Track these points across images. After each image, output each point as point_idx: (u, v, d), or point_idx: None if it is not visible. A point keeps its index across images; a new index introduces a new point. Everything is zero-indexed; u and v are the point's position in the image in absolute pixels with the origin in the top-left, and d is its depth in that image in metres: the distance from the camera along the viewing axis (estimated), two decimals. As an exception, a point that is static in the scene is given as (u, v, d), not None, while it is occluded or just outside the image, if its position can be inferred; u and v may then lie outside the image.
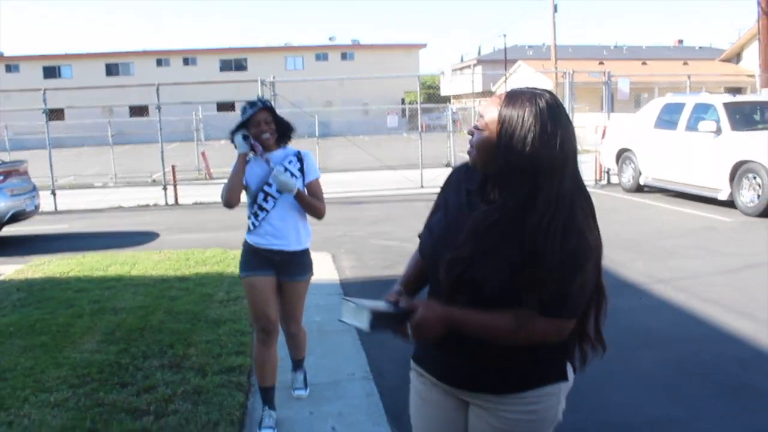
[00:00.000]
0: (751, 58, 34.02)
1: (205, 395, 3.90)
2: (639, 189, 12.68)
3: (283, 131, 3.61)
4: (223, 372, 4.25)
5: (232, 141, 3.58)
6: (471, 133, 1.75)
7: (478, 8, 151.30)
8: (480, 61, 57.07)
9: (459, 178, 1.91)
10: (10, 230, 10.37)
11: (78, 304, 5.92)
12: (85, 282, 6.80)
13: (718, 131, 10.46)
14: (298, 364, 4.02)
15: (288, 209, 3.55)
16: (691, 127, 11.11)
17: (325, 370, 4.42)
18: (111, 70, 49.66)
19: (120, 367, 4.38)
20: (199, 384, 4.06)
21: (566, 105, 14.87)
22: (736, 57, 39.64)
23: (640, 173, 12.53)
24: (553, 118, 1.64)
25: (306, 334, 3.95)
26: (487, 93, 48.39)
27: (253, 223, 3.58)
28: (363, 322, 1.69)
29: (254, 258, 3.59)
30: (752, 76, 26.98)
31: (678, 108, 11.72)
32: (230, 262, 7.33)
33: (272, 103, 13.29)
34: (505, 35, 75.29)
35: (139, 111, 34.36)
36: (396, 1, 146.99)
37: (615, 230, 8.94)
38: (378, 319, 1.71)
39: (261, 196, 3.54)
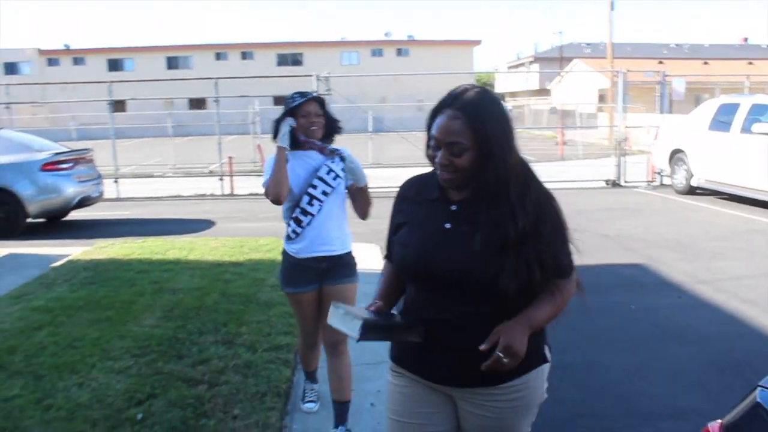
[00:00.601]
0: (818, 59, 32.92)
1: (254, 369, 4.20)
2: (691, 191, 12.55)
3: (331, 129, 3.36)
4: (272, 349, 4.54)
5: (276, 130, 3.28)
6: (447, 163, 1.81)
7: (535, 5, 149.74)
8: (536, 59, 56.65)
9: (412, 193, 2.03)
10: (76, 215, 10.94)
11: (139, 284, 6.32)
12: (145, 264, 7.21)
13: (774, 133, 10.33)
14: (340, 413, 3.50)
15: (333, 210, 3.32)
16: (746, 128, 10.96)
17: (367, 351, 4.64)
18: (171, 63, 50.96)
19: (177, 341, 4.72)
20: (250, 359, 4.36)
21: (618, 105, 14.81)
22: (803, 57, 38.39)
23: (693, 175, 12.40)
24: (503, 109, 1.83)
25: (351, 366, 3.52)
26: (542, 91, 48.06)
27: (294, 231, 3.31)
28: (353, 330, 1.74)
29: (298, 272, 3.36)
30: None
31: (733, 109, 11.57)
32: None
33: (326, 97, 13.36)
34: (561, 32, 74.56)
35: (197, 104, 35.33)
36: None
37: (661, 231, 8.96)
38: (369, 330, 1.77)
39: (306, 199, 3.26)
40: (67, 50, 52.33)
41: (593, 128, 28.10)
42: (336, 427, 3.49)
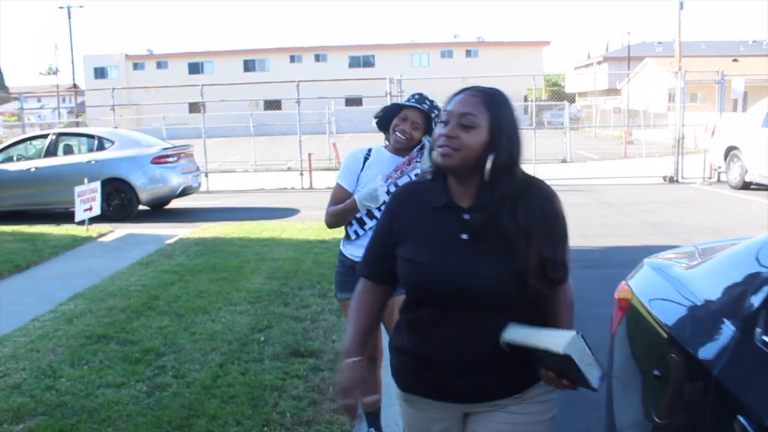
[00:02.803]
0: None
1: (345, 312, 5.35)
2: (745, 186, 13.06)
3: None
4: (357, 300, 5.69)
5: (380, 122, 3.11)
6: (454, 135, 1.73)
7: (606, 5, 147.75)
8: (606, 59, 56.46)
9: (410, 204, 1.87)
10: (177, 203, 12.41)
11: (243, 255, 7.59)
12: (245, 241, 8.51)
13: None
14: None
15: None
16: (798, 125, 11.51)
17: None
18: (248, 65, 53.28)
19: (282, 293, 5.94)
20: (341, 306, 5.52)
21: (677, 104, 15.41)
22: None
23: (747, 171, 12.94)
24: (514, 109, 1.80)
25: None
26: (612, 91, 47.97)
27: (356, 231, 3.10)
28: (593, 376, 1.67)
29: (353, 275, 2.85)
30: None
31: (786, 106, 12.11)
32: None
33: (397, 99, 14.35)
34: (629, 33, 73.66)
35: (272, 104, 37.06)
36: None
37: (705, 220, 9.71)
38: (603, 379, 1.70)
39: None
40: (151, 55, 55.36)
41: (660, 127, 28.27)
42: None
